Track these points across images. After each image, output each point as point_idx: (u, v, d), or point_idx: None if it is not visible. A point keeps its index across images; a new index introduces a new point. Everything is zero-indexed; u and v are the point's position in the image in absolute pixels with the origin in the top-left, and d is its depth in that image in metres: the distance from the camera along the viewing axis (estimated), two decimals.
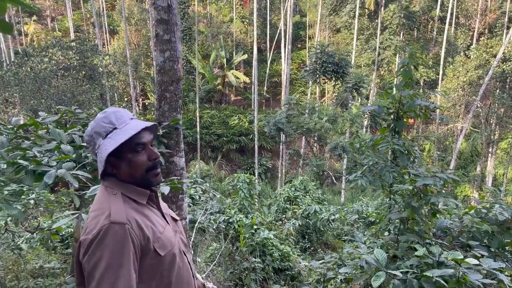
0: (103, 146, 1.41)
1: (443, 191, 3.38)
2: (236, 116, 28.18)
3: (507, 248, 3.52)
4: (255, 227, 5.04)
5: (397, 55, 27.89)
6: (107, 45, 32.47)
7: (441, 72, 26.70)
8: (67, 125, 3.70)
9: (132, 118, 1.48)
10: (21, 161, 2.41)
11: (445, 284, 2.52)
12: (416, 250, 3.03)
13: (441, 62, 26.60)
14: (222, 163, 26.44)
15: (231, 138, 26.97)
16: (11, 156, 2.53)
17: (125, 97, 25.79)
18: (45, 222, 5.78)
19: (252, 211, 6.92)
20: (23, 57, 17.27)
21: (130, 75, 23.33)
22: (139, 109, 27.73)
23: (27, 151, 2.74)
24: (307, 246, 7.44)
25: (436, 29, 30.86)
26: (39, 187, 2.31)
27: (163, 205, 1.63)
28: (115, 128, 1.43)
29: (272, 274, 4.54)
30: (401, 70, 4.04)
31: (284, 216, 9.10)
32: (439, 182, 3.11)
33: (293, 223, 7.96)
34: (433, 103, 4.06)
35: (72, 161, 2.77)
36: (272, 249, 4.88)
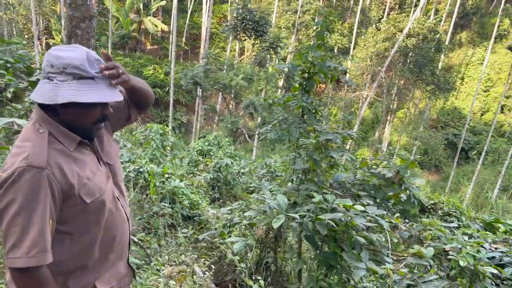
0: (70, 89, 1.31)
1: (343, 148, 3.74)
2: (151, 66, 27.07)
3: (390, 200, 4.05)
4: (166, 175, 5.09)
5: (316, 20, 28.66)
6: None
7: (353, 41, 28.14)
8: None
9: (98, 72, 1.37)
10: None
11: (335, 226, 2.87)
12: (313, 198, 3.36)
13: (354, 32, 27.98)
14: None
15: None
16: None
17: (26, 34, 23.21)
18: None
19: (164, 162, 6.93)
20: None
21: (33, 9, 20.94)
22: (41, 48, 25.18)
23: None
24: (216, 197, 7.71)
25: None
26: None
27: (104, 147, 1.59)
28: (92, 79, 1.35)
29: (180, 220, 4.69)
30: (315, 31, 4.26)
31: (196, 169, 9.24)
32: (339, 138, 3.43)
33: (204, 176, 8.14)
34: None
35: None
36: (182, 197, 5.00)
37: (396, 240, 3.20)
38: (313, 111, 4.19)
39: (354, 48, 27.99)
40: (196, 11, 32.22)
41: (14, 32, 21.18)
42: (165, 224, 4.18)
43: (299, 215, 2.93)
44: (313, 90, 4.43)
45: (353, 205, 3.05)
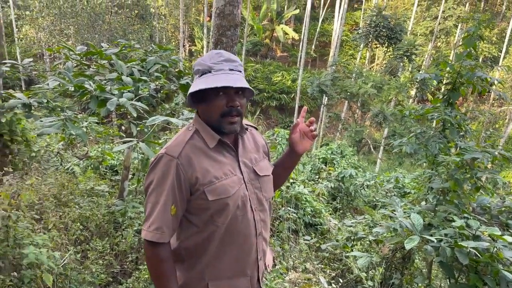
0: (193, 84, 1.49)
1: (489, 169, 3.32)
2: (279, 73, 27.85)
3: None
4: (291, 180, 5.15)
5: (459, 26, 26.25)
6: None
7: (504, 50, 25.00)
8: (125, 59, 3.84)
9: (232, 70, 1.47)
10: (87, 85, 2.56)
11: (478, 256, 2.54)
12: (452, 222, 3.04)
13: (506, 39, 24.83)
14: (260, 118, 26.55)
15: (271, 95, 26.83)
16: (78, 80, 2.69)
17: (173, 41, 25.95)
18: (92, 151, 6.16)
19: None
20: None
21: (181, 19, 23.32)
22: (185, 54, 27.89)
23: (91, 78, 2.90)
24: (337, 207, 7.54)
25: (506, 3, 28.59)
26: (102, 112, 2.46)
27: (251, 155, 1.64)
28: (210, 72, 1.45)
29: (302, 227, 4.70)
30: (465, 39, 3.86)
31: (318, 176, 9.19)
32: (488, 158, 3.05)
33: (325, 184, 8.04)
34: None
35: (130, 92, 2.91)
36: (305, 204, 5.00)
37: None
38: (456, 125, 3.80)
39: (504, 57, 24.87)
40: (328, 18, 32.21)
41: (164, 40, 23.87)
42: (289, 228, 4.23)
43: (436, 239, 2.68)
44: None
45: (502, 235, 2.68)
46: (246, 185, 1.56)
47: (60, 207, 3.41)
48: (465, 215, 3.21)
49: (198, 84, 1.45)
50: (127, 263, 3.09)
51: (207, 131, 1.51)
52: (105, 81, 3.06)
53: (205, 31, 24.07)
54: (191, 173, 1.44)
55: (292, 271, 3.03)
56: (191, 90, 1.47)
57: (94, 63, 3.53)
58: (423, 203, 3.70)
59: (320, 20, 31.03)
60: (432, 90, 18.90)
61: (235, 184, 1.51)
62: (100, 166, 4.99)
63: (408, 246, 2.60)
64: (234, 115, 1.48)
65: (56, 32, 16.36)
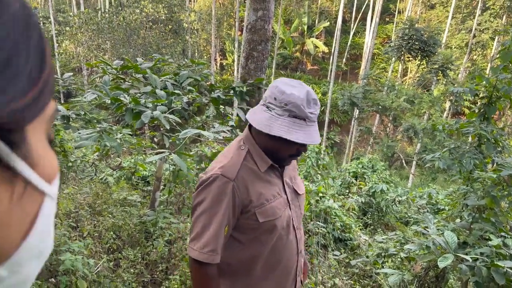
0: (283, 125, 1.39)
1: None
2: (310, 86, 27.79)
3: None
4: (320, 194, 5.11)
5: (496, 39, 25.50)
6: (194, 2, 33.18)
7: None
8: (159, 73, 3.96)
9: (311, 113, 1.41)
10: (123, 99, 2.66)
11: None
12: (489, 240, 2.93)
13: None
14: None
15: None
16: (114, 94, 2.79)
17: (205, 54, 26.46)
18: (125, 162, 6.33)
19: (317, 180, 6.97)
20: (118, 6, 18.30)
21: (213, 34, 23.80)
22: (216, 68, 28.35)
23: (126, 91, 3.01)
24: (368, 223, 7.39)
25: None
26: (136, 124, 2.54)
27: (291, 174, 1.66)
28: (304, 120, 1.40)
29: (331, 242, 4.63)
30: (501, 52, 3.76)
31: (348, 191, 9.05)
32: None
33: (356, 199, 7.91)
34: None
35: (164, 105, 3.00)
36: (335, 218, 4.94)
37: None
38: (493, 140, 3.68)
39: None
40: (359, 31, 32.05)
41: (196, 53, 24.38)
42: (319, 242, 4.18)
43: (471, 258, 2.59)
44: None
45: None
46: (290, 206, 1.59)
47: (94, 216, 3.53)
48: (502, 233, 3.09)
49: (286, 129, 1.38)
50: (157, 273, 3.15)
51: (259, 155, 1.51)
52: (139, 94, 3.17)
53: (236, 45, 24.43)
54: (246, 196, 1.44)
55: (320, 286, 2.99)
56: (278, 131, 1.38)
57: (129, 77, 3.66)
58: (458, 220, 3.58)
59: (351, 33, 30.90)
60: (468, 104, 18.40)
61: (282, 205, 1.54)
62: (133, 177, 5.12)
63: (441, 265, 2.53)
64: (297, 156, 1.52)
65: (93, 47, 17.03)
